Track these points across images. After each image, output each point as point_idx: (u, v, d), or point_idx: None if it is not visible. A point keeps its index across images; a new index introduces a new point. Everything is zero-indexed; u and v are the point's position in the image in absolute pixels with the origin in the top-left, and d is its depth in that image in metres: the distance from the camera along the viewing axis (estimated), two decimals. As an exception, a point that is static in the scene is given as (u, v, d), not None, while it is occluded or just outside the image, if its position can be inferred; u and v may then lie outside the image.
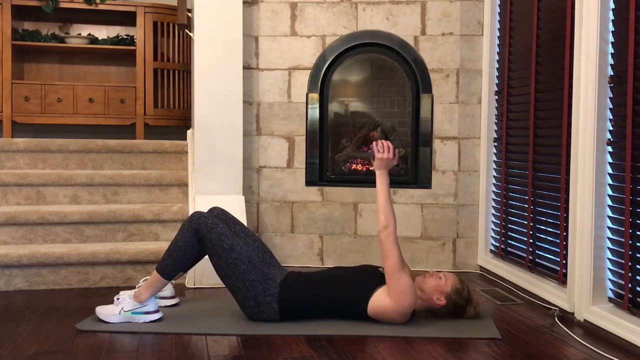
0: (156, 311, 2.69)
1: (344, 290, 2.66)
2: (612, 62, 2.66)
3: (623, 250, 2.56)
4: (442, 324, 2.69)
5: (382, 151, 2.74)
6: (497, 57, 3.76)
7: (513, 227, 3.51)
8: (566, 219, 2.90)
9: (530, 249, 3.28)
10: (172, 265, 2.67)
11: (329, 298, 2.66)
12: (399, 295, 2.57)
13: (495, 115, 3.77)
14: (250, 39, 3.93)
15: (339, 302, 2.66)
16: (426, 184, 3.90)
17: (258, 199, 3.99)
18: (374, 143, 2.80)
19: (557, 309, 2.88)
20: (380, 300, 2.60)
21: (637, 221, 2.49)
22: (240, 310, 2.71)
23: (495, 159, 3.78)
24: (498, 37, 3.75)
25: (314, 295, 2.66)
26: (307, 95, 3.95)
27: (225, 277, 2.65)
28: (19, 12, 4.84)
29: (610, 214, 2.67)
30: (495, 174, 3.78)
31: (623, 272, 2.57)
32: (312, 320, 2.67)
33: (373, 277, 2.68)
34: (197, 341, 2.47)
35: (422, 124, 3.88)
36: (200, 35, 3.76)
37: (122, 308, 2.65)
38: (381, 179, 2.74)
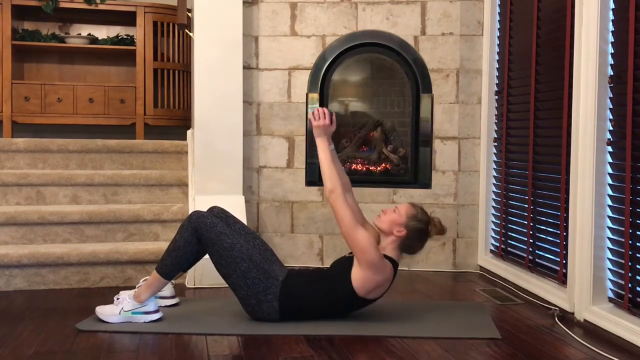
0: (156, 311, 2.69)
1: (329, 283, 2.67)
2: (612, 62, 2.66)
3: (623, 250, 2.56)
4: (442, 324, 2.70)
5: (319, 118, 2.75)
6: (497, 57, 3.76)
7: (513, 227, 3.51)
8: (566, 219, 2.90)
9: (530, 249, 3.28)
10: (172, 265, 2.67)
11: (321, 295, 2.66)
12: (364, 255, 2.56)
13: (495, 115, 3.77)
14: (250, 39, 3.93)
15: (330, 299, 2.66)
16: (426, 184, 3.91)
17: (258, 199, 3.99)
18: (311, 112, 2.81)
19: (557, 309, 2.88)
20: (357, 275, 2.60)
21: (637, 221, 2.49)
22: (241, 309, 2.72)
23: (495, 159, 3.78)
24: (498, 37, 3.75)
25: (310, 294, 2.67)
26: (307, 95, 3.96)
27: (227, 275, 2.65)
28: (19, 12, 4.85)
29: (610, 214, 2.67)
30: (495, 174, 3.78)
31: (623, 272, 2.57)
32: (312, 318, 2.68)
33: (346, 261, 2.69)
34: (197, 341, 2.47)
35: (422, 124, 3.89)
36: (200, 35, 3.76)
37: (122, 308, 2.65)
38: (321, 145, 2.74)
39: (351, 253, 2.67)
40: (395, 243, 2.68)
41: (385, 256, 2.64)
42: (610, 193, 2.67)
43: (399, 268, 2.71)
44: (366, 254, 2.56)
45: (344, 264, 2.68)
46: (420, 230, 2.69)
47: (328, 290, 2.66)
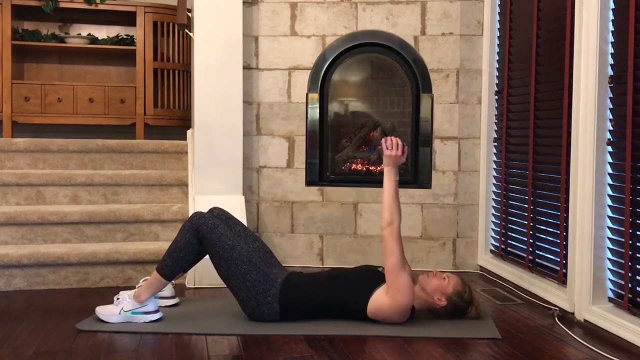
0: (156, 311, 2.69)
1: (344, 291, 2.66)
2: (612, 62, 2.66)
3: (623, 250, 2.56)
4: (442, 323, 2.69)
5: (391, 148, 2.74)
6: (497, 57, 3.76)
7: (513, 227, 3.51)
8: (566, 219, 2.90)
9: (530, 249, 3.28)
10: (173, 265, 2.67)
11: (330, 299, 2.66)
12: (397, 294, 2.56)
13: (495, 115, 3.77)
14: (250, 39, 3.93)
15: (339, 304, 2.66)
16: (426, 184, 3.90)
17: (258, 199, 3.99)
18: (383, 140, 2.80)
19: (557, 309, 2.88)
20: (378, 300, 2.60)
21: (637, 221, 2.49)
22: (241, 310, 2.72)
23: (495, 159, 3.78)
24: (498, 37, 3.75)
25: (314, 296, 2.66)
26: (307, 95, 3.95)
27: (227, 277, 2.65)
28: (19, 12, 4.84)
29: (610, 214, 2.67)
30: (495, 174, 3.78)
31: (623, 272, 2.57)
32: (312, 320, 2.68)
33: (372, 277, 2.68)
34: (197, 341, 2.47)
35: (422, 124, 3.88)
36: (200, 35, 3.75)
37: (122, 308, 2.65)
38: (389, 175, 2.75)
39: (383, 268, 2.66)
40: (429, 304, 2.67)
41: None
42: (610, 193, 2.67)
43: None
44: (400, 295, 2.56)
45: (373, 279, 2.66)
46: (459, 309, 2.68)
47: (341, 295, 2.65)
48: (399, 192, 2.83)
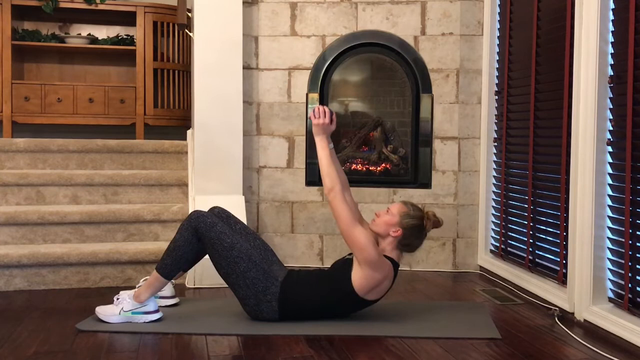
0: (156, 311, 2.69)
1: (330, 284, 2.66)
2: (612, 62, 2.66)
3: (623, 250, 2.56)
4: (442, 324, 2.70)
5: (319, 116, 2.74)
6: (497, 57, 3.76)
7: (513, 227, 3.51)
8: (566, 219, 2.90)
9: (530, 249, 3.28)
10: (172, 264, 2.67)
11: (322, 296, 2.66)
12: (362, 253, 2.56)
13: (495, 115, 3.77)
14: (250, 39, 3.93)
15: (330, 300, 2.66)
16: (426, 184, 3.91)
17: (258, 199, 3.99)
18: (311, 110, 2.80)
19: (557, 309, 2.88)
20: (357, 275, 2.60)
21: (637, 221, 2.49)
22: (241, 310, 2.72)
23: (495, 159, 3.78)
24: (498, 37, 3.75)
25: (311, 295, 2.67)
26: (307, 95, 3.96)
27: (226, 275, 2.65)
28: (19, 12, 4.84)
29: (610, 214, 2.67)
30: (495, 174, 3.78)
31: (623, 272, 2.57)
32: (311, 319, 2.68)
33: (344, 264, 2.68)
34: (197, 341, 2.47)
35: (422, 124, 3.88)
36: (200, 35, 3.75)
37: (122, 308, 2.65)
38: (321, 143, 2.73)
39: (351, 254, 2.67)
40: (393, 244, 2.68)
41: (385, 256, 2.64)
42: (610, 193, 2.67)
43: (400, 268, 2.71)
44: (364, 252, 2.56)
45: (344, 264, 2.68)
46: (416, 227, 2.67)
47: (328, 291, 2.66)
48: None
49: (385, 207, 2.77)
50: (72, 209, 3.63)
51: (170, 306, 2.92)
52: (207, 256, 2.73)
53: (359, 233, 2.57)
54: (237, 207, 3.60)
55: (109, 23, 5.17)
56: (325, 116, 2.74)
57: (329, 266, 2.85)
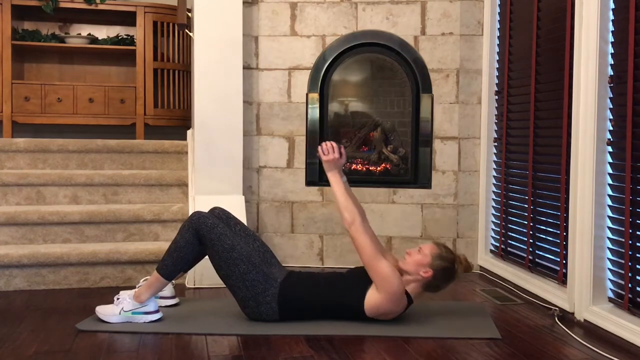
0: (156, 311, 2.69)
1: (340, 294, 2.65)
2: (612, 62, 2.66)
3: (623, 250, 2.56)
4: (442, 324, 2.70)
5: (327, 153, 2.74)
6: (497, 57, 3.76)
7: (513, 227, 3.51)
8: (566, 219, 2.90)
9: (530, 249, 3.28)
10: (173, 265, 2.67)
11: (328, 302, 2.66)
12: (384, 284, 2.55)
13: (495, 115, 3.77)
14: (250, 39, 3.93)
15: (337, 306, 2.66)
16: (426, 184, 3.90)
17: (258, 199, 3.99)
18: (319, 147, 2.79)
19: (557, 309, 2.88)
20: (372, 298, 2.59)
21: (637, 221, 2.49)
22: (240, 310, 2.71)
23: (495, 159, 3.78)
24: (498, 37, 3.75)
25: (313, 297, 2.66)
26: (307, 95, 3.95)
27: (226, 276, 2.65)
28: (19, 12, 4.84)
29: (610, 214, 2.67)
30: (495, 174, 3.78)
31: (623, 272, 2.57)
32: (312, 320, 2.67)
33: (363, 278, 2.66)
34: (197, 341, 2.47)
35: (422, 124, 3.88)
36: (200, 35, 3.75)
37: (122, 308, 2.65)
38: (334, 178, 2.74)
39: None
40: (420, 282, 2.64)
41: (405, 291, 2.63)
42: (610, 193, 2.67)
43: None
44: (388, 284, 2.55)
45: (363, 279, 2.65)
46: (447, 269, 2.65)
47: (336, 298, 2.65)
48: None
49: (416, 247, 2.71)
50: (72, 209, 3.63)
51: (170, 306, 2.92)
52: (206, 257, 2.73)
53: (384, 265, 2.56)
54: (237, 207, 3.60)
55: (109, 23, 5.17)
56: (333, 151, 2.74)
57: (344, 271, 2.80)
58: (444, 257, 2.65)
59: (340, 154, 2.76)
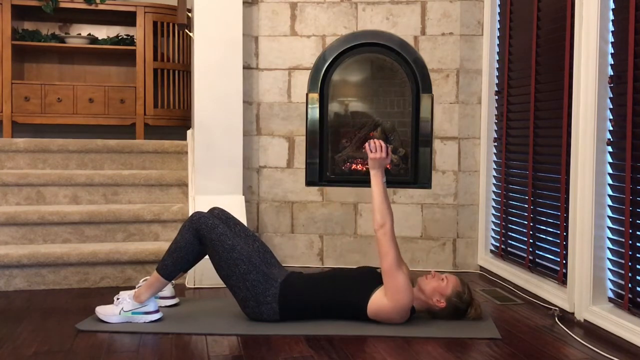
0: (156, 311, 2.69)
1: (343, 293, 2.66)
2: (612, 62, 2.66)
3: (623, 250, 2.56)
4: (442, 323, 2.69)
5: (375, 151, 2.74)
6: (497, 57, 3.76)
7: (513, 227, 3.51)
8: (566, 219, 2.90)
9: (530, 249, 3.28)
10: (173, 265, 2.67)
11: (329, 300, 2.66)
12: (395, 295, 2.56)
13: (495, 115, 3.77)
14: (250, 39, 3.93)
15: (338, 305, 2.66)
16: (426, 184, 3.90)
17: (258, 199, 3.99)
18: (367, 143, 2.79)
19: (557, 309, 2.88)
20: (378, 301, 2.60)
21: (637, 221, 2.49)
22: (241, 310, 2.72)
23: (495, 159, 3.78)
24: (498, 37, 3.75)
25: (314, 296, 2.67)
26: (307, 95, 3.95)
27: (226, 277, 2.65)
28: (19, 12, 4.84)
29: (610, 214, 2.67)
30: (495, 174, 3.78)
31: (623, 272, 2.57)
32: (312, 320, 2.67)
33: (371, 279, 2.67)
34: (197, 341, 2.47)
35: (422, 124, 3.87)
36: (200, 35, 3.75)
37: (122, 308, 2.65)
38: (376, 178, 2.74)
39: (379, 269, 2.66)
40: (428, 305, 2.67)
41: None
42: (610, 193, 2.67)
43: None
44: (399, 296, 2.56)
45: (372, 279, 2.66)
46: (458, 310, 2.67)
47: (340, 295, 2.65)
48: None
49: (444, 273, 2.71)
50: (72, 209, 3.63)
51: (170, 306, 2.92)
52: (206, 256, 2.73)
53: (402, 278, 2.56)
54: (237, 207, 3.60)
55: (109, 23, 5.17)
56: (381, 150, 2.74)
57: (353, 267, 2.81)
58: (462, 299, 2.67)
59: (387, 153, 2.75)
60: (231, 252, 2.62)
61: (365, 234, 3.95)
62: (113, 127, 5.00)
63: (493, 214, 3.80)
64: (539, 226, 3.20)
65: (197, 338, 2.51)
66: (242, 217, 3.57)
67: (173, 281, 2.79)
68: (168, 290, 2.92)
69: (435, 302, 2.64)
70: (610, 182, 2.67)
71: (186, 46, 4.93)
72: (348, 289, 2.66)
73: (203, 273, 3.32)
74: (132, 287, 2.91)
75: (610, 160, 2.67)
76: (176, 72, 4.93)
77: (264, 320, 2.65)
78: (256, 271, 2.62)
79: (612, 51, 2.66)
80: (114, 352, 2.34)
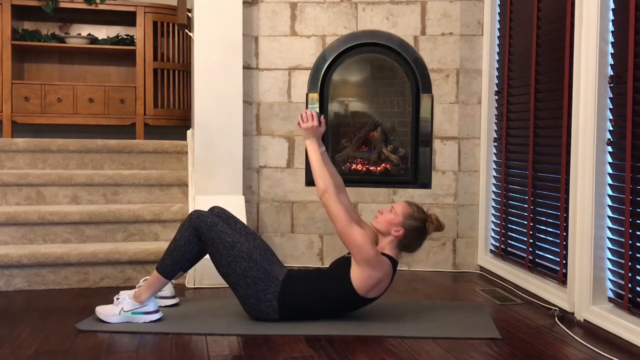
0: (156, 311, 2.69)
1: (329, 287, 2.66)
2: (612, 62, 2.66)
3: (623, 250, 2.56)
4: (442, 324, 2.70)
5: (306, 120, 2.74)
6: (497, 57, 3.76)
7: (513, 227, 3.51)
8: (566, 219, 2.90)
9: (530, 249, 3.28)
10: (173, 264, 2.67)
11: (321, 297, 2.67)
12: (360, 253, 2.56)
13: (495, 115, 3.77)
14: (250, 39, 3.93)
15: (330, 298, 2.66)
16: (426, 184, 3.91)
17: (258, 199, 3.99)
18: (299, 115, 2.79)
19: (557, 309, 2.88)
20: (355, 274, 2.60)
21: (637, 221, 2.49)
22: (241, 309, 2.72)
23: (495, 159, 3.78)
24: (498, 37, 3.75)
25: (311, 295, 2.67)
26: (307, 95, 3.95)
27: (227, 274, 2.65)
28: (19, 12, 4.84)
29: (610, 214, 2.67)
30: (495, 174, 3.78)
31: (623, 272, 2.57)
32: (312, 320, 2.67)
33: (343, 263, 2.69)
34: (197, 341, 2.47)
35: (422, 124, 3.88)
36: (200, 35, 3.76)
37: (122, 308, 2.65)
38: (311, 147, 2.75)
39: (349, 253, 2.67)
40: (394, 243, 2.68)
41: (384, 254, 2.64)
42: (610, 193, 2.67)
43: (398, 267, 2.71)
44: (362, 251, 2.56)
45: (343, 263, 2.68)
46: (418, 229, 2.69)
47: (328, 290, 2.66)
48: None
49: (389, 206, 2.77)
50: (72, 209, 3.63)
51: (170, 306, 2.92)
52: (207, 256, 2.73)
53: (356, 233, 2.57)
54: (237, 207, 3.60)
55: (109, 23, 5.17)
56: (313, 119, 2.74)
57: (328, 265, 2.85)
58: (416, 217, 2.68)
59: (320, 122, 2.76)
60: (231, 249, 2.62)
61: (365, 234, 3.94)
62: (113, 127, 5.00)
63: (493, 214, 3.80)
64: (539, 226, 3.20)
65: (197, 338, 2.51)
66: (242, 217, 3.57)
67: (173, 281, 2.79)
68: (168, 290, 2.92)
69: (395, 234, 2.65)
70: (610, 182, 2.67)
71: (186, 46, 4.93)
72: (330, 281, 2.67)
73: (203, 273, 3.32)
74: (132, 287, 2.91)
75: (610, 160, 2.67)
76: (176, 72, 4.93)
77: (264, 318, 2.65)
78: (257, 268, 2.62)
79: (612, 51, 2.66)
80: (114, 352, 2.34)
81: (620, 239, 2.60)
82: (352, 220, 2.64)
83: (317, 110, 3.83)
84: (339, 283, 2.64)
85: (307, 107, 3.91)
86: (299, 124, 2.79)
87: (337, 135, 3.93)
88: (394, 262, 2.67)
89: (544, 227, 3.15)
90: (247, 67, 3.92)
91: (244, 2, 3.81)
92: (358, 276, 2.60)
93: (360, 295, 2.62)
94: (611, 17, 2.66)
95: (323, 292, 2.67)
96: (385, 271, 2.62)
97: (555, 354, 2.36)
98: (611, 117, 2.66)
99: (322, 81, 3.89)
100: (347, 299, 2.65)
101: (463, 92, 3.88)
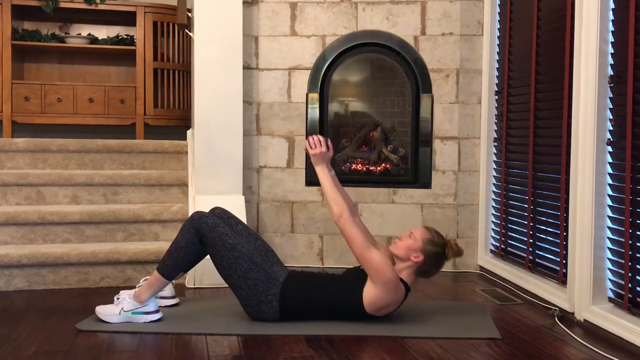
0: (156, 311, 2.69)
1: (338, 295, 2.65)
2: (612, 62, 2.66)
3: (623, 250, 2.56)
4: (442, 324, 2.70)
5: (315, 147, 2.74)
6: (497, 57, 3.76)
7: (513, 227, 3.51)
8: (566, 219, 2.90)
9: (530, 249, 3.28)
10: (173, 265, 2.67)
11: (326, 302, 2.66)
12: (378, 275, 2.55)
13: (495, 115, 3.77)
14: (250, 39, 3.93)
15: (336, 306, 2.66)
16: (426, 184, 3.91)
17: (258, 199, 3.99)
18: (306, 141, 2.79)
19: (557, 309, 2.88)
20: (368, 293, 2.59)
21: (637, 221, 2.49)
22: (241, 310, 2.71)
23: (495, 159, 3.78)
24: (498, 37, 3.75)
25: (313, 297, 2.66)
26: (307, 95, 3.95)
27: (227, 276, 2.65)
28: (19, 12, 4.84)
29: (610, 214, 2.67)
30: (495, 174, 3.78)
31: (623, 272, 2.57)
32: (312, 320, 2.67)
33: (359, 276, 2.66)
34: (197, 341, 2.47)
35: (422, 124, 3.88)
36: (200, 35, 3.75)
37: (122, 308, 2.65)
38: (322, 172, 2.74)
39: None
40: (412, 268, 2.66)
41: (400, 279, 2.63)
42: (610, 193, 2.67)
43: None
44: (381, 274, 2.55)
45: (359, 276, 2.66)
46: (437, 255, 2.66)
47: (334, 298, 2.65)
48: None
49: (407, 231, 2.72)
50: (72, 209, 3.63)
51: (171, 306, 2.92)
52: (207, 256, 2.73)
53: (375, 255, 2.56)
54: (237, 207, 3.60)
55: (109, 23, 5.17)
56: (320, 145, 2.73)
57: (341, 272, 2.81)
58: (435, 242, 2.66)
59: (328, 147, 2.75)
60: (232, 251, 2.62)
61: (365, 234, 3.94)
62: (113, 127, 5.00)
63: (493, 214, 3.80)
64: (539, 226, 3.20)
65: (197, 338, 2.51)
66: (242, 217, 3.57)
67: (173, 281, 2.79)
68: (168, 290, 2.92)
69: (414, 260, 2.62)
70: (610, 182, 2.67)
71: (186, 46, 4.93)
72: (342, 291, 2.66)
73: (203, 273, 3.32)
74: (132, 287, 2.91)
75: (610, 160, 2.67)
76: (176, 72, 4.93)
77: (264, 319, 2.65)
78: (257, 270, 2.62)
79: (612, 51, 2.66)
80: (114, 352, 2.34)
81: (620, 239, 2.60)
82: (370, 243, 2.64)
83: (318, 111, 3.83)
84: (349, 295, 2.63)
85: (307, 107, 3.91)
86: (306, 150, 2.78)
87: (337, 135, 3.93)
88: (407, 289, 2.66)
89: (544, 227, 3.15)
90: (247, 67, 3.92)
91: (244, 2, 3.81)
92: (371, 294, 2.59)
93: (366, 312, 2.62)
94: (611, 17, 2.66)
95: (329, 299, 2.66)
96: (398, 298, 2.62)
97: (555, 354, 2.36)
98: (611, 117, 2.66)
99: (322, 81, 3.89)
100: (352, 311, 2.64)
101: (463, 92, 3.88)
